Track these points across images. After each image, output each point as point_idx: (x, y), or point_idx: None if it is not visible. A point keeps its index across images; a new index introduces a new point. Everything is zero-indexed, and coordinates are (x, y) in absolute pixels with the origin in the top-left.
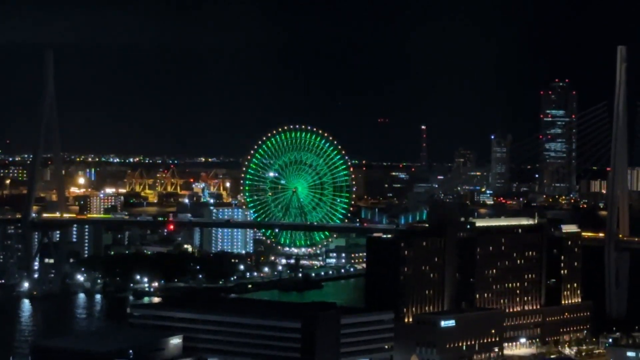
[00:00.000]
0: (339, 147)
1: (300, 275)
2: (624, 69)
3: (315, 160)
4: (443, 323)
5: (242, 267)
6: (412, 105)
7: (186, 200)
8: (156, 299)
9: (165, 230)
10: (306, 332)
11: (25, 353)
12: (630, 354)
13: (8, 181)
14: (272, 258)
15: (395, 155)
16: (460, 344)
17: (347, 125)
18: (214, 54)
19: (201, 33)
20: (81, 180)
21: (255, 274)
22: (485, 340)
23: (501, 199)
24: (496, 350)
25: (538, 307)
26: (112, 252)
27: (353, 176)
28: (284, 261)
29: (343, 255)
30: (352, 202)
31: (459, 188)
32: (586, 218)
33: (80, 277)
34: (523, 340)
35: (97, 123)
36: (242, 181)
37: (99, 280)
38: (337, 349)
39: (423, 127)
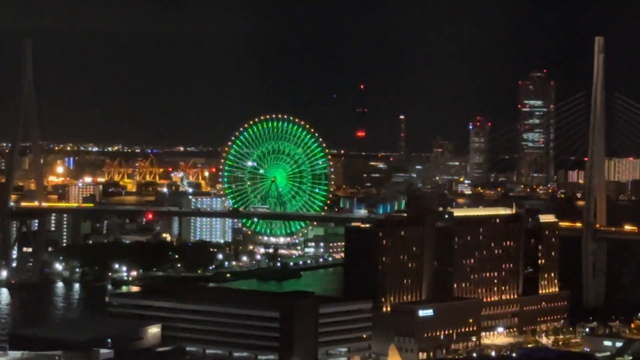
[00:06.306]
0: (316, 135)
1: (278, 264)
2: (602, 60)
3: (294, 149)
4: (421, 312)
5: (220, 256)
6: (390, 95)
7: (165, 190)
8: (135, 288)
9: (144, 220)
10: (284, 321)
11: (3, 341)
12: (607, 343)
13: None
14: (251, 247)
15: (374, 145)
16: (438, 333)
17: (325, 115)
18: (193, 44)
19: (181, 23)
20: (60, 169)
21: (234, 263)
22: (463, 330)
23: (479, 188)
24: (474, 339)
25: (515, 296)
26: (91, 241)
27: (332, 163)
28: (262, 250)
29: (321, 244)
30: (331, 192)
31: (437, 178)
32: (564, 208)
33: (58, 266)
34: (500, 329)
35: (76, 112)
36: (221, 171)
37: (77, 269)
38: (315, 338)
39: (401, 117)
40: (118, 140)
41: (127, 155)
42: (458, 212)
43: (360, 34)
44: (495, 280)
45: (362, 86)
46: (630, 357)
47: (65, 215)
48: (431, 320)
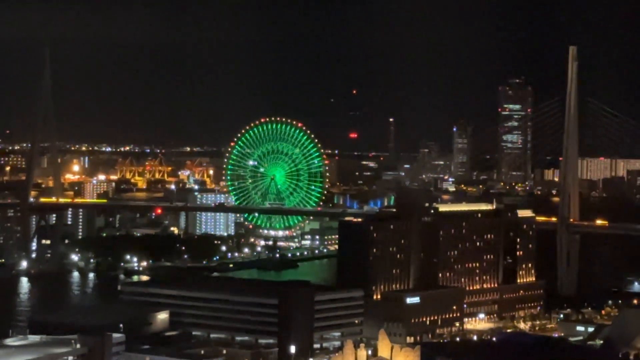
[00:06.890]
0: (312, 136)
1: (277, 255)
2: (575, 67)
3: (292, 149)
4: (409, 300)
5: (224, 248)
6: (381, 100)
7: (172, 187)
8: (145, 277)
9: (154, 214)
10: (282, 308)
11: (23, 327)
12: (579, 328)
13: (8, 168)
14: (252, 240)
15: (365, 146)
16: (424, 319)
17: (321, 118)
18: (198, 54)
19: (187, 28)
20: (76, 168)
21: (236, 254)
22: (447, 316)
23: (462, 186)
24: (457, 324)
25: (495, 285)
26: (104, 234)
27: (326, 162)
28: (262, 243)
29: (317, 237)
30: (326, 189)
31: (423, 176)
32: (540, 204)
33: (74, 257)
34: (482, 315)
35: (90, 115)
36: (224, 169)
37: (92, 260)
38: (311, 323)
39: (391, 120)
40: (129, 141)
41: (138, 154)
42: (443, 208)
43: (353, 44)
44: (477, 270)
45: (354, 91)
46: (601, 342)
47: (80, 210)
48: (418, 307)
